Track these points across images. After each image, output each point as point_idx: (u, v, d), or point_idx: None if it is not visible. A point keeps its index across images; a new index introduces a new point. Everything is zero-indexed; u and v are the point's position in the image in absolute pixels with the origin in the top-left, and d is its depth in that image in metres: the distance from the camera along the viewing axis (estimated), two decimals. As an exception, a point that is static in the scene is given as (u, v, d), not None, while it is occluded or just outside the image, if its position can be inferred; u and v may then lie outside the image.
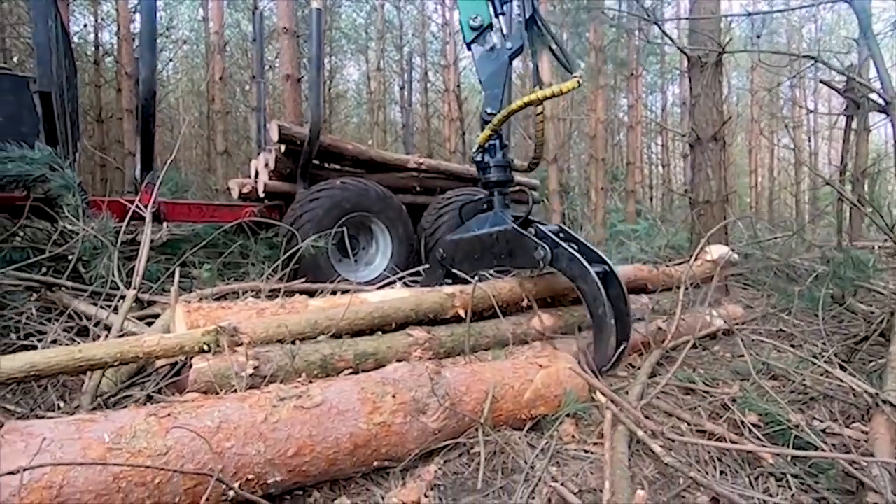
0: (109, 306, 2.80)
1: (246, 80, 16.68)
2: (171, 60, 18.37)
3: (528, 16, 3.03)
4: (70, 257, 3.09)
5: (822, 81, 3.71)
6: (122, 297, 2.70)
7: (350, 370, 1.97)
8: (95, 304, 2.72)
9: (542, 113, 3.14)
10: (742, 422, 1.82)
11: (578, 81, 2.75)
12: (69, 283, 2.92)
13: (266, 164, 4.61)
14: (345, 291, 3.79)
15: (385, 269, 4.24)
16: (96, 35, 15.15)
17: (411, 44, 19.43)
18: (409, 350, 2.14)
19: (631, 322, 2.56)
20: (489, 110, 3.03)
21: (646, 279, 3.59)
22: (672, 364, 2.49)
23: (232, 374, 1.74)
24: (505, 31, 3.04)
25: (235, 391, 1.73)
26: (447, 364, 2.16)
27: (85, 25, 15.01)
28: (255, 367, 1.78)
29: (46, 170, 2.93)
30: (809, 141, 21.33)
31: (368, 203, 4.23)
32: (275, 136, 4.21)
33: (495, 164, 3.09)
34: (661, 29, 4.51)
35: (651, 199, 21.38)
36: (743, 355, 2.55)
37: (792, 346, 2.90)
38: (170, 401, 1.65)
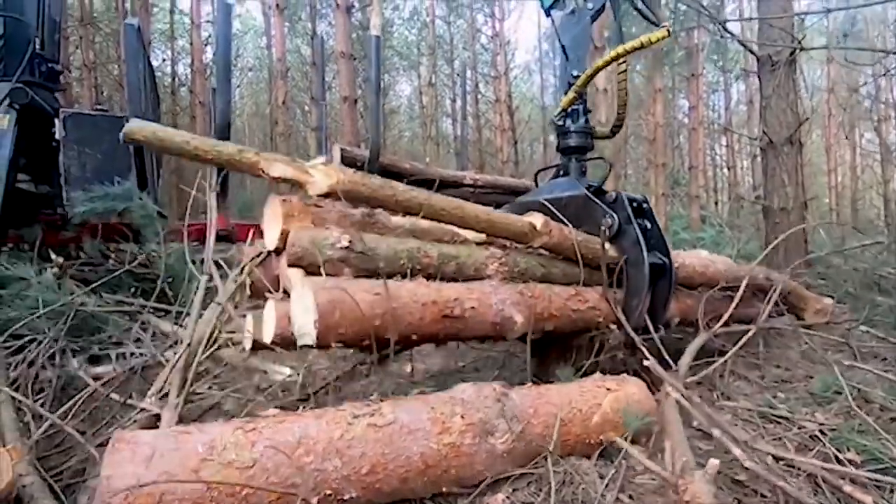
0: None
1: (306, 103, 17.54)
2: (238, 87, 19.67)
3: None
4: (157, 280, 3.36)
5: None
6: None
7: (433, 268, 2.04)
8: (178, 324, 2.94)
9: (624, 71, 3.01)
10: (837, 457, 1.68)
11: (668, 30, 2.63)
12: (153, 304, 3.18)
13: (328, 184, 4.81)
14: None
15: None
16: (173, 67, 16.49)
17: (462, 57, 19.70)
18: (486, 262, 2.21)
19: (664, 318, 2.56)
20: (575, 73, 2.93)
21: (714, 279, 3.31)
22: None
23: (327, 244, 1.82)
24: None
25: (326, 265, 1.79)
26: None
27: (164, 60, 16.36)
28: (350, 243, 1.85)
29: (132, 203, 3.23)
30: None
31: (426, 220, 4.31)
32: (337, 158, 4.40)
33: (576, 130, 2.97)
34: (726, 29, 4.31)
35: (717, 203, 20.28)
36: (838, 383, 2.35)
37: (886, 368, 2.65)
38: (254, 416, 1.75)
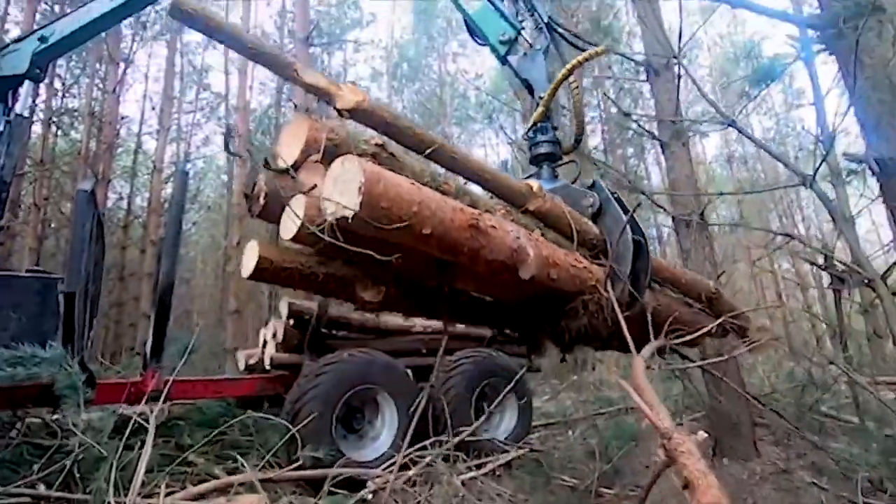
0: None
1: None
2: (194, 223, 19.86)
3: (545, 21, 3.52)
4: (66, 461, 3.00)
5: (804, 259, 3.90)
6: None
7: (451, 195, 2.16)
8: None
9: (577, 87, 3.35)
10: None
11: (606, 48, 3.21)
12: (56, 494, 2.80)
13: (274, 335, 4.70)
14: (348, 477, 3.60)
15: (392, 446, 4.04)
16: (129, 203, 16.64)
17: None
18: (494, 207, 2.38)
19: (645, 287, 2.70)
20: (541, 94, 3.27)
21: (673, 276, 3.51)
22: None
23: (362, 139, 2.01)
24: (530, 41, 3.48)
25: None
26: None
27: (120, 197, 16.53)
28: (383, 143, 2.01)
29: (55, 369, 3.00)
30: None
31: (375, 375, 4.20)
32: (285, 312, 4.38)
33: (546, 140, 3.25)
34: (647, 196, 4.90)
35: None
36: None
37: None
38: None
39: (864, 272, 2.60)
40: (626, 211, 2.89)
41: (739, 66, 17.07)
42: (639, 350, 2.37)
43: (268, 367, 4.61)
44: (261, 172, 2.23)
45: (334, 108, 2.12)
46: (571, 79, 3.19)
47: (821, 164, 3.05)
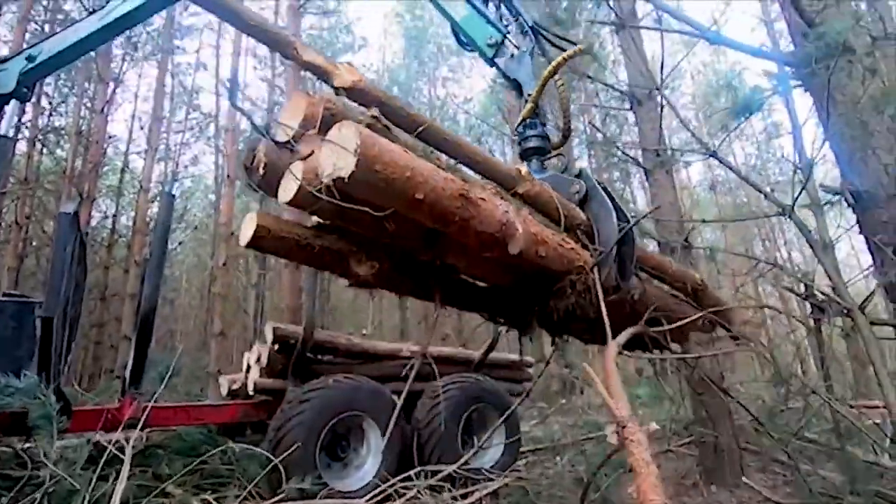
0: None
1: (251, 259, 17.64)
2: (180, 243, 19.63)
3: (530, 25, 3.64)
4: (37, 494, 2.88)
5: (785, 288, 3.97)
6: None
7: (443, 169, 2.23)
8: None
9: (563, 85, 3.42)
10: None
11: (587, 46, 3.33)
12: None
13: (258, 360, 4.62)
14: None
15: (376, 475, 3.95)
16: (114, 223, 16.41)
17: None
18: (486, 185, 2.45)
19: (632, 272, 2.76)
20: (530, 93, 3.37)
21: (660, 265, 3.54)
22: None
23: (358, 110, 2.13)
24: (516, 43, 3.60)
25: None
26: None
27: (105, 216, 16.31)
28: (378, 116, 2.10)
29: (29, 399, 2.91)
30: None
31: (360, 402, 4.14)
32: (269, 337, 4.31)
33: (535, 134, 3.35)
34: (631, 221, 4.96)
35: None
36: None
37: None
38: None
39: (843, 302, 2.65)
40: (612, 200, 3.00)
41: (721, 95, 17.59)
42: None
43: (251, 393, 4.51)
44: (260, 143, 2.32)
45: (331, 86, 2.25)
46: (557, 77, 3.31)
47: (799, 194, 3.12)
